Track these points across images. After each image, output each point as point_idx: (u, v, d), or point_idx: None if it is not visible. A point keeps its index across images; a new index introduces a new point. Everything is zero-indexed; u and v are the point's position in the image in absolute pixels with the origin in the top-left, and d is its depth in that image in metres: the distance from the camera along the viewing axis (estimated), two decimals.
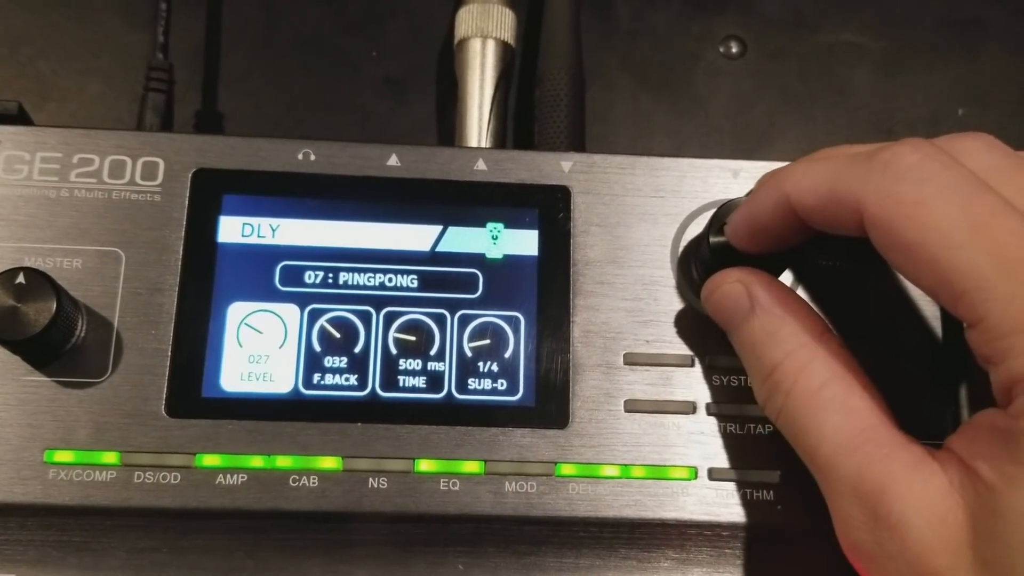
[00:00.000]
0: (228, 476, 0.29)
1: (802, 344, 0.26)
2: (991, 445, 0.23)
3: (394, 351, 0.30)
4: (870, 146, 0.27)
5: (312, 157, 0.31)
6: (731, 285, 0.28)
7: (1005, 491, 0.22)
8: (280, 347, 0.30)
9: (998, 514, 0.22)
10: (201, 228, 0.30)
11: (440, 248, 0.31)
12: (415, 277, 0.31)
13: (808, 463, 0.26)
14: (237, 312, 0.30)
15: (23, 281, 0.28)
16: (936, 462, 0.24)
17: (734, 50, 0.44)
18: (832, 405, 0.25)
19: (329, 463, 0.29)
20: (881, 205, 0.24)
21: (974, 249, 0.22)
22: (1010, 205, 0.23)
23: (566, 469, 0.29)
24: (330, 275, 0.30)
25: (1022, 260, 0.22)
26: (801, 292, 0.31)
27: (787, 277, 0.31)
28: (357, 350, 0.30)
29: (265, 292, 0.30)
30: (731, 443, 0.30)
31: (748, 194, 0.29)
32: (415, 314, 0.30)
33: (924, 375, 0.30)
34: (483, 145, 0.38)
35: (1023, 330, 0.22)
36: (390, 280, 0.31)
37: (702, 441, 0.30)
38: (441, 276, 0.31)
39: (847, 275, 0.31)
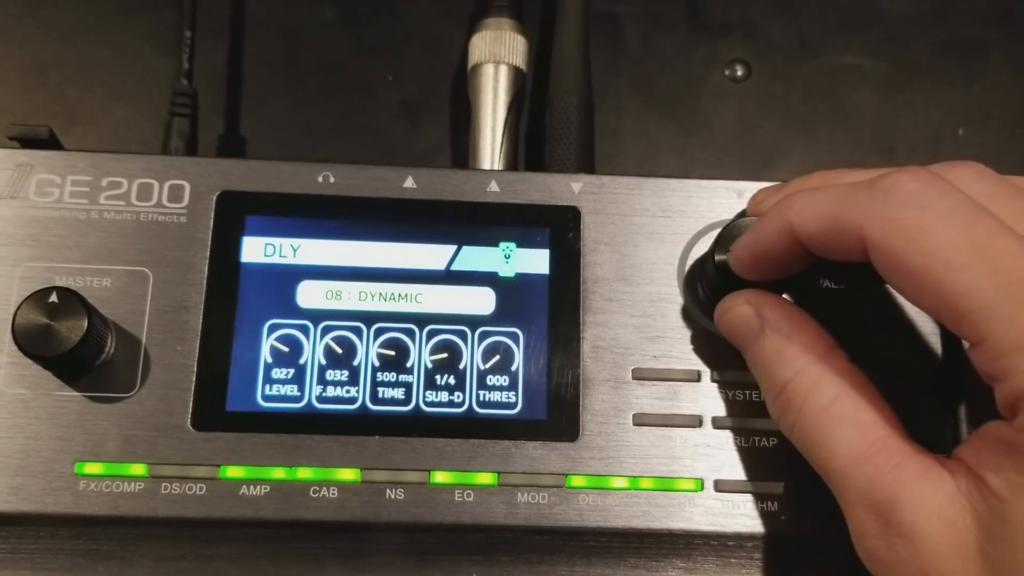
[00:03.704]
0: (251, 487, 0.29)
1: (811, 362, 0.27)
2: (997, 456, 0.24)
3: (409, 367, 0.30)
4: (868, 172, 0.27)
5: (331, 180, 0.32)
6: (741, 307, 0.29)
7: (1012, 499, 0.23)
8: (301, 363, 0.30)
9: (1006, 520, 0.23)
10: (225, 248, 0.31)
11: (455, 267, 0.32)
12: (430, 295, 0.31)
13: (822, 475, 0.26)
14: (260, 329, 0.30)
15: (55, 300, 0.28)
16: (945, 470, 0.25)
17: (739, 73, 0.44)
18: (842, 420, 0.26)
19: (348, 475, 0.29)
20: (884, 231, 0.24)
21: (975, 271, 0.23)
22: (1008, 228, 0.23)
23: (576, 481, 0.30)
24: (348, 294, 0.31)
25: (1022, 281, 0.23)
26: (822, 313, 0.31)
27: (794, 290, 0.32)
28: (373, 366, 0.30)
29: (287, 310, 0.31)
30: (736, 455, 0.30)
31: (741, 213, 0.29)
32: (429, 331, 0.31)
33: (925, 392, 0.30)
34: (496, 167, 0.38)
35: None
36: (406, 298, 0.31)
37: (708, 454, 0.30)
38: (455, 294, 0.31)
39: (847, 296, 0.31)
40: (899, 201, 0.24)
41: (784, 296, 0.30)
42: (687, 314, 0.31)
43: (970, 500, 0.24)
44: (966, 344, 0.24)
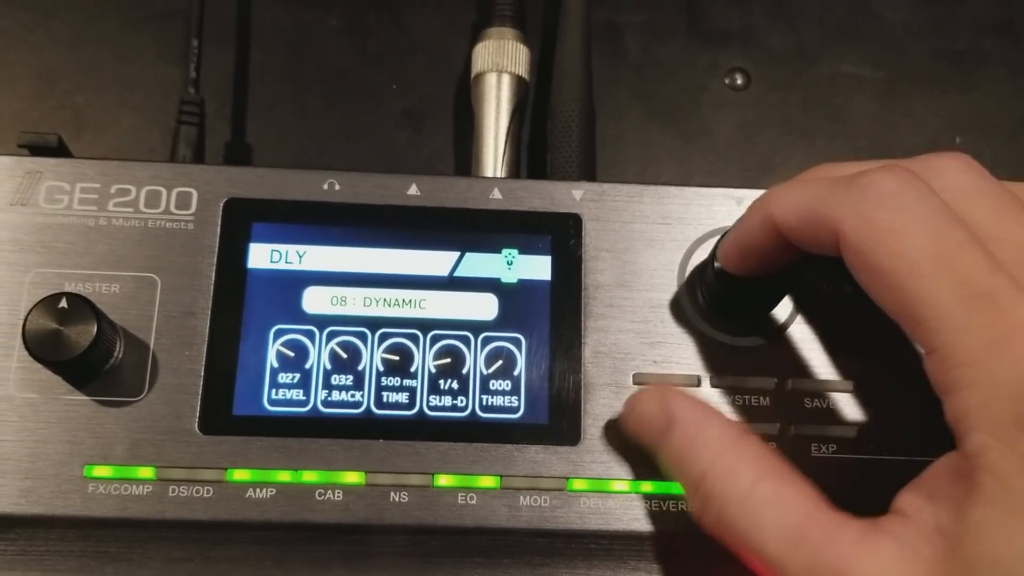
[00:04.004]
0: (257, 490, 0.29)
1: (723, 450, 0.26)
2: (954, 492, 0.23)
3: (413, 372, 0.31)
4: (853, 166, 0.27)
5: (337, 187, 0.32)
6: (646, 405, 0.28)
7: (972, 541, 0.22)
8: (306, 367, 0.31)
9: (968, 566, 0.22)
10: (232, 255, 0.31)
11: (458, 273, 0.32)
12: (434, 301, 0.32)
13: (757, 565, 0.25)
14: (266, 334, 0.31)
15: (65, 306, 0.28)
16: (881, 530, 0.24)
17: (739, 82, 0.45)
18: (767, 503, 0.25)
19: (353, 478, 0.30)
20: (856, 229, 0.24)
21: (938, 280, 0.23)
22: (977, 240, 0.23)
23: (578, 484, 0.30)
24: (353, 299, 0.32)
25: (981, 296, 0.22)
26: (804, 318, 0.32)
27: (787, 305, 0.32)
28: (378, 371, 0.31)
29: (292, 315, 0.31)
30: None
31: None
32: (433, 337, 0.31)
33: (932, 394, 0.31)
34: (498, 175, 0.39)
35: (973, 364, 0.22)
36: (410, 304, 0.32)
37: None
38: (459, 300, 0.32)
39: (850, 298, 0.32)
40: (875, 200, 0.24)
41: (781, 303, 0.31)
42: (687, 320, 0.32)
43: (918, 555, 0.23)
44: (922, 351, 0.24)
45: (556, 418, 0.31)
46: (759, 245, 0.28)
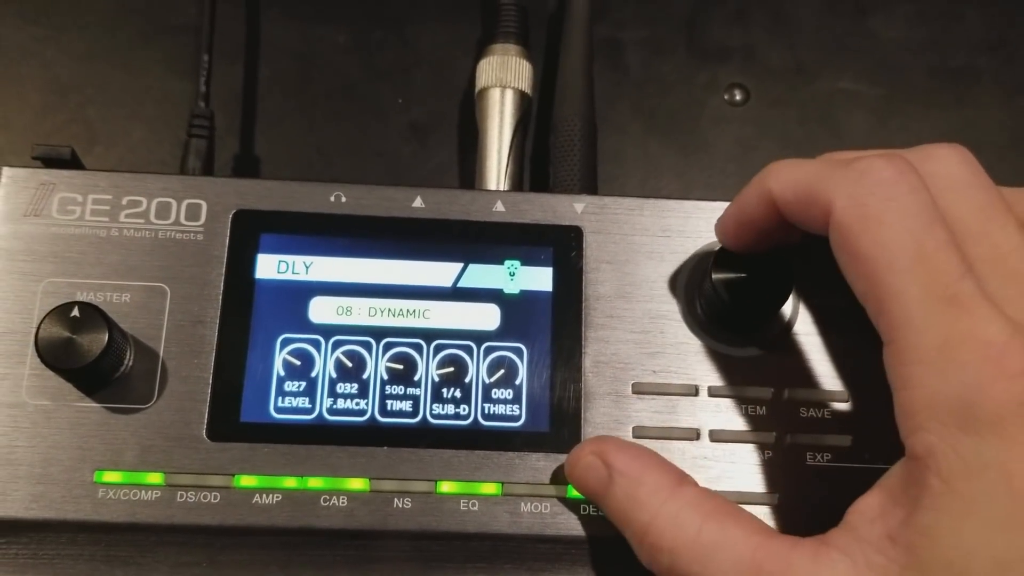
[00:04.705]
0: (264, 496, 0.30)
1: (666, 498, 0.27)
2: (905, 499, 0.23)
3: (416, 381, 0.31)
4: (857, 153, 0.28)
5: (343, 199, 0.33)
6: (587, 458, 0.28)
7: (924, 545, 0.22)
8: (312, 376, 0.31)
9: (921, 571, 0.22)
10: (240, 265, 0.32)
11: (461, 284, 0.32)
12: (437, 311, 0.32)
13: None
14: (273, 343, 0.31)
15: (77, 314, 0.29)
16: (832, 547, 0.24)
17: (738, 97, 0.45)
18: (716, 543, 0.25)
19: (357, 484, 0.30)
20: (847, 210, 0.25)
21: (911, 276, 0.23)
22: (955, 243, 0.24)
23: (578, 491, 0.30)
24: (359, 309, 0.32)
25: (946, 299, 0.23)
26: (801, 329, 0.32)
27: (784, 316, 0.32)
28: (382, 379, 0.31)
29: (299, 325, 0.31)
30: (732, 467, 0.31)
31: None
32: (436, 346, 0.32)
33: None
34: (502, 188, 0.39)
35: (924, 363, 0.23)
36: (414, 314, 0.32)
37: (705, 465, 0.31)
38: (462, 310, 0.32)
39: (846, 310, 0.31)
40: (869, 186, 0.25)
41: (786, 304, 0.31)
42: (685, 331, 0.32)
43: (872, 565, 0.23)
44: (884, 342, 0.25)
45: (557, 426, 0.31)
46: (756, 219, 0.28)
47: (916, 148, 0.27)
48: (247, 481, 0.30)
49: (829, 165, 0.26)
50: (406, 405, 0.31)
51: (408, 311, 0.32)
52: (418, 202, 0.33)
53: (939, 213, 0.24)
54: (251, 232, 0.32)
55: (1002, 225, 0.26)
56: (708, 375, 0.32)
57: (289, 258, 0.32)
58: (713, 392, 0.31)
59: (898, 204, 0.24)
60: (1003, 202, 0.26)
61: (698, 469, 0.31)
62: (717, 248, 0.31)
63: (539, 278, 0.33)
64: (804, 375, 0.32)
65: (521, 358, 0.32)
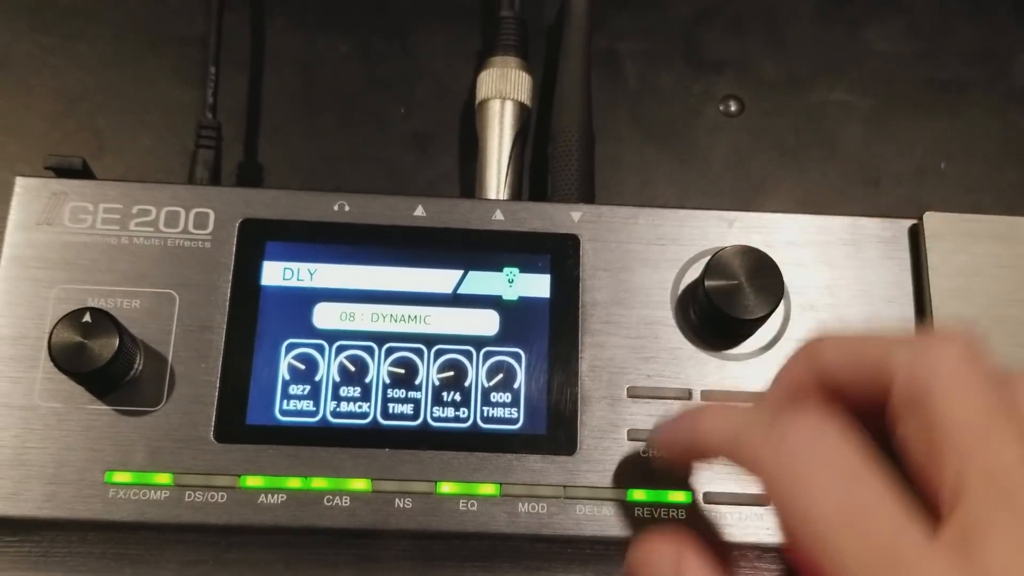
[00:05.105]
0: (269, 496, 0.30)
1: None
2: None
3: (417, 384, 0.32)
4: (772, 400, 0.26)
5: (346, 208, 0.34)
6: (660, 560, 0.25)
7: None
8: (316, 380, 0.32)
9: None
10: (247, 272, 0.33)
11: (461, 290, 0.33)
12: (438, 317, 0.33)
13: None
14: (278, 348, 0.32)
15: (89, 320, 0.30)
16: None
17: (733, 108, 0.45)
18: None
19: (359, 485, 0.31)
20: (769, 476, 0.23)
21: (844, 543, 0.21)
22: (892, 493, 0.21)
23: (574, 492, 0.31)
24: (362, 315, 0.33)
25: (886, 562, 0.20)
26: (791, 333, 0.33)
27: (775, 321, 0.33)
28: (384, 383, 0.32)
29: (304, 330, 0.32)
30: (725, 469, 0.31)
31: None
32: (437, 351, 0.32)
33: None
34: (501, 197, 0.39)
35: None
36: (415, 320, 0.33)
37: (698, 467, 0.31)
38: (462, 316, 0.33)
39: (837, 313, 0.33)
40: (790, 452, 0.23)
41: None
42: (679, 336, 0.33)
43: None
44: None
45: (554, 429, 0.32)
46: (682, 455, 0.28)
47: (921, 336, 0.24)
48: (253, 481, 0.31)
49: (752, 424, 0.24)
50: (407, 408, 0.32)
51: (409, 317, 0.33)
52: (419, 211, 0.34)
53: (867, 467, 0.22)
54: (257, 240, 0.33)
55: (1000, 436, 0.22)
56: (701, 379, 0.32)
57: (294, 265, 0.33)
58: (706, 396, 0.32)
59: (819, 472, 0.22)
60: (1002, 405, 0.23)
61: (692, 472, 0.31)
62: (710, 256, 0.32)
63: (537, 285, 0.33)
64: None
65: (519, 363, 0.32)
